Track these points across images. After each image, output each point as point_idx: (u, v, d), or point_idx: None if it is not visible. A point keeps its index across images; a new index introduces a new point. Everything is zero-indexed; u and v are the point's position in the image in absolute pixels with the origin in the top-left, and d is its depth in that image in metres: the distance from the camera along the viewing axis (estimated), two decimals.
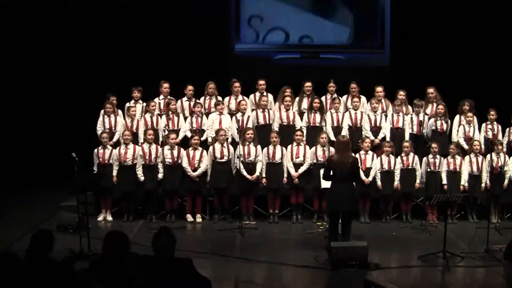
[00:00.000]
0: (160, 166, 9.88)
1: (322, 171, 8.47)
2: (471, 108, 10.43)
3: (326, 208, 9.05)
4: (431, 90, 10.64)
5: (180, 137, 10.22)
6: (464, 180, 9.96)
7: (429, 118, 10.45)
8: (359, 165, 9.69)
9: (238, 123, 10.28)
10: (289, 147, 10.01)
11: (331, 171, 8.00)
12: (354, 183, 8.10)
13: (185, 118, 10.46)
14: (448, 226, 8.06)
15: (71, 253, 7.41)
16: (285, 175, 9.98)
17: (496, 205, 9.99)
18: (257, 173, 9.88)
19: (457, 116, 10.49)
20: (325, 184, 8.45)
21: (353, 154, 8.69)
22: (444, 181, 9.94)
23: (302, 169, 9.95)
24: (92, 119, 10.48)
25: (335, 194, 7.97)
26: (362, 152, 9.92)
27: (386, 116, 10.49)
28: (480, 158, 9.97)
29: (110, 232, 4.88)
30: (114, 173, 9.89)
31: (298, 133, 10.02)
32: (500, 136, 10.32)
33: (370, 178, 9.86)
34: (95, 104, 10.62)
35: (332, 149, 9.64)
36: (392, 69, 13.01)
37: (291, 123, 10.37)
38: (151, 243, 4.63)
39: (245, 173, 9.79)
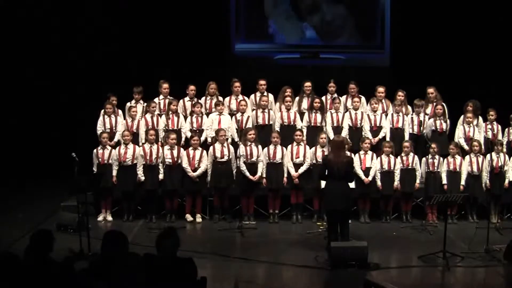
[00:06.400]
0: (160, 166, 9.89)
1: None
2: (474, 109, 10.40)
3: (323, 208, 9.07)
4: (431, 90, 10.63)
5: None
6: (464, 180, 9.97)
7: (429, 118, 10.45)
8: (359, 164, 9.77)
9: (237, 123, 10.28)
10: (289, 147, 10.00)
11: (327, 170, 8.02)
12: (349, 182, 8.14)
13: (185, 118, 10.47)
14: (448, 226, 8.07)
15: (71, 253, 7.48)
16: (285, 175, 9.99)
17: (496, 205, 9.98)
18: (259, 173, 9.88)
19: (462, 117, 10.46)
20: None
21: (348, 154, 8.74)
22: (444, 181, 9.94)
23: (302, 169, 9.94)
24: (92, 119, 10.48)
25: (331, 193, 8.02)
26: (361, 152, 9.92)
27: (386, 116, 10.49)
28: (480, 158, 9.96)
29: (108, 232, 4.89)
30: (114, 173, 9.88)
31: (298, 133, 10.01)
32: (500, 136, 10.32)
33: (370, 178, 9.86)
34: (95, 104, 10.62)
35: None
36: (392, 69, 13.01)
37: (292, 123, 10.36)
38: (155, 243, 4.63)
39: (247, 173, 9.80)
